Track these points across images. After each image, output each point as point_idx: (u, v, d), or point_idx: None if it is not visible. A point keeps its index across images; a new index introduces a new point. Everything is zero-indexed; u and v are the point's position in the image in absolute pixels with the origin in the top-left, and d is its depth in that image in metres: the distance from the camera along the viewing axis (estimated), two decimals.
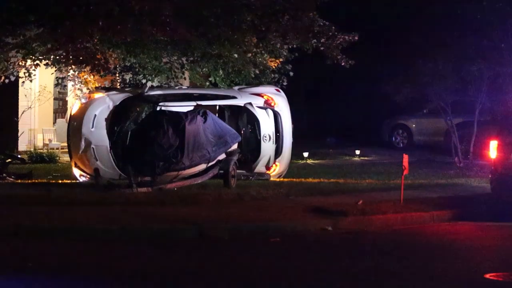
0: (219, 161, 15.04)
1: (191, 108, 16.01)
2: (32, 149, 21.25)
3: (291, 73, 20.08)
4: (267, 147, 16.26)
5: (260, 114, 16.29)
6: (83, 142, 15.38)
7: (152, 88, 17.11)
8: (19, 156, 19.72)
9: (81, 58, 16.14)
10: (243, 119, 17.03)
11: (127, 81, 19.46)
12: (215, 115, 15.95)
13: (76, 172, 15.67)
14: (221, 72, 19.26)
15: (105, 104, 15.76)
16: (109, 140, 15.50)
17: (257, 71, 19.08)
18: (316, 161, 21.84)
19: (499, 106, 18.79)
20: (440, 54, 19.16)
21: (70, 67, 17.52)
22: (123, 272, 8.52)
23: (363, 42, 19.74)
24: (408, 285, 8.02)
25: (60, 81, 20.04)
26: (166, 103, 16.53)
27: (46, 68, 18.20)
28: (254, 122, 16.58)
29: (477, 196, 13.95)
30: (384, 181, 16.29)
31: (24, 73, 18.00)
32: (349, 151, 23.93)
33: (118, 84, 19.22)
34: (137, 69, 18.90)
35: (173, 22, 15.93)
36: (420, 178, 16.80)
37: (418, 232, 11.37)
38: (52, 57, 17.23)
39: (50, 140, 22.06)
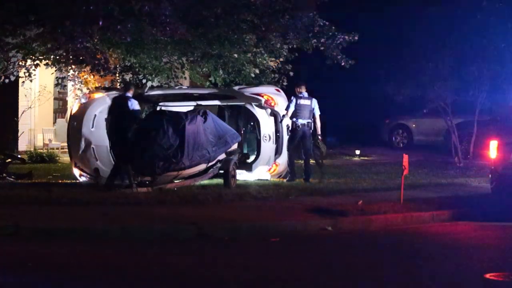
0: (219, 161, 15.04)
1: (191, 108, 16.01)
2: (32, 149, 21.25)
3: (291, 73, 20.09)
4: (267, 147, 16.25)
5: (260, 114, 16.29)
6: (83, 142, 15.39)
7: (152, 88, 17.13)
8: (19, 156, 19.71)
9: (81, 58, 16.16)
10: (243, 119, 17.03)
11: (127, 81, 19.46)
12: (215, 115, 15.95)
13: (76, 172, 15.67)
14: (221, 72, 19.28)
15: (105, 104, 15.76)
16: (109, 140, 15.51)
17: (257, 71, 19.09)
18: None
19: (499, 106, 18.81)
20: (440, 54, 19.17)
21: (70, 67, 17.55)
22: (123, 272, 8.53)
23: (363, 42, 19.73)
24: (407, 285, 8.02)
25: (60, 81, 20.03)
26: (166, 103, 16.52)
27: (46, 68, 18.22)
28: (254, 122, 16.58)
29: (477, 196, 13.95)
30: (384, 181, 16.28)
31: (24, 73, 18.01)
32: (349, 151, 23.93)
33: (118, 84, 19.23)
34: (137, 69, 18.89)
35: (173, 22, 15.94)
36: (420, 178, 16.79)
37: (418, 232, 11.37)
38: (52, 57, 17.25)
39: (50, 140, 22.07)
